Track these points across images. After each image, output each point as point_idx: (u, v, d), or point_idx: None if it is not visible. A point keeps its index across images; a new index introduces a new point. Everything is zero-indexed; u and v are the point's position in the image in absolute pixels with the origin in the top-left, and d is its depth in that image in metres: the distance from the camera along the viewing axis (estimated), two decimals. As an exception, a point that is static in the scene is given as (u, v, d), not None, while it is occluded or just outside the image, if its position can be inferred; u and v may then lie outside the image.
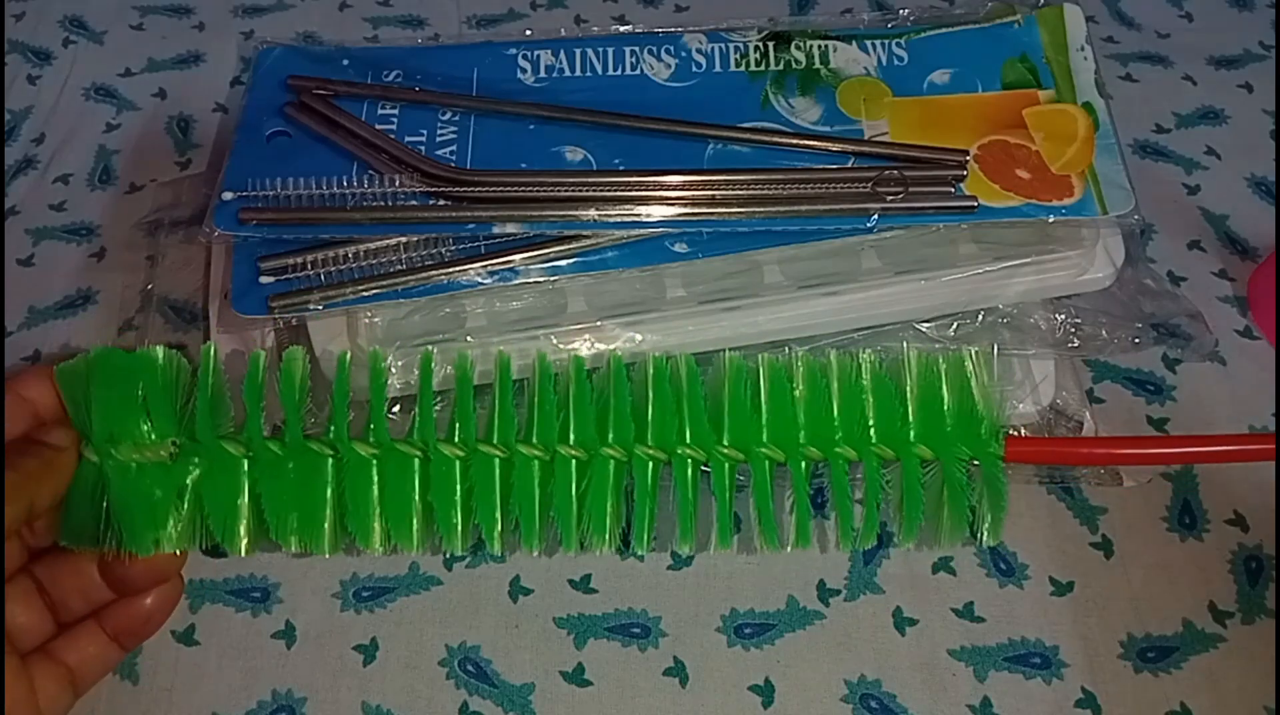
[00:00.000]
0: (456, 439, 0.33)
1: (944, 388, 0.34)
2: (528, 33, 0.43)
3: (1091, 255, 0.37)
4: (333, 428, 0.33)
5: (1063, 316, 0.39)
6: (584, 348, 0.36)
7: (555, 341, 0.36)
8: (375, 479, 0.33)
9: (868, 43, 0.41)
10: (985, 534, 0.34)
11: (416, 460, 0.33)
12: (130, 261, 0.46)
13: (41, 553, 0.33)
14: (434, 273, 0.36)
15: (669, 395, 0.34)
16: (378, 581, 0.38)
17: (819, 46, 0.41)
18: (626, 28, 0.43)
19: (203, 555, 0.38)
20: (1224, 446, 0.35)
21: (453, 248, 0.36)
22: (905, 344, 0.35)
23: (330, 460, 0.33)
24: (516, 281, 0.36)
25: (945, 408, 0.34)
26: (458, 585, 0.38)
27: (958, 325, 0.38)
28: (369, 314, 0.36)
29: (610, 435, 0.33)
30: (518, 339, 0.36)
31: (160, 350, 0.33)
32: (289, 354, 0.33)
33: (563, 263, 0.36)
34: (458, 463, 0.33)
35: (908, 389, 0.34)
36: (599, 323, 0.36)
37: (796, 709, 0.36)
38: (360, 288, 0.35)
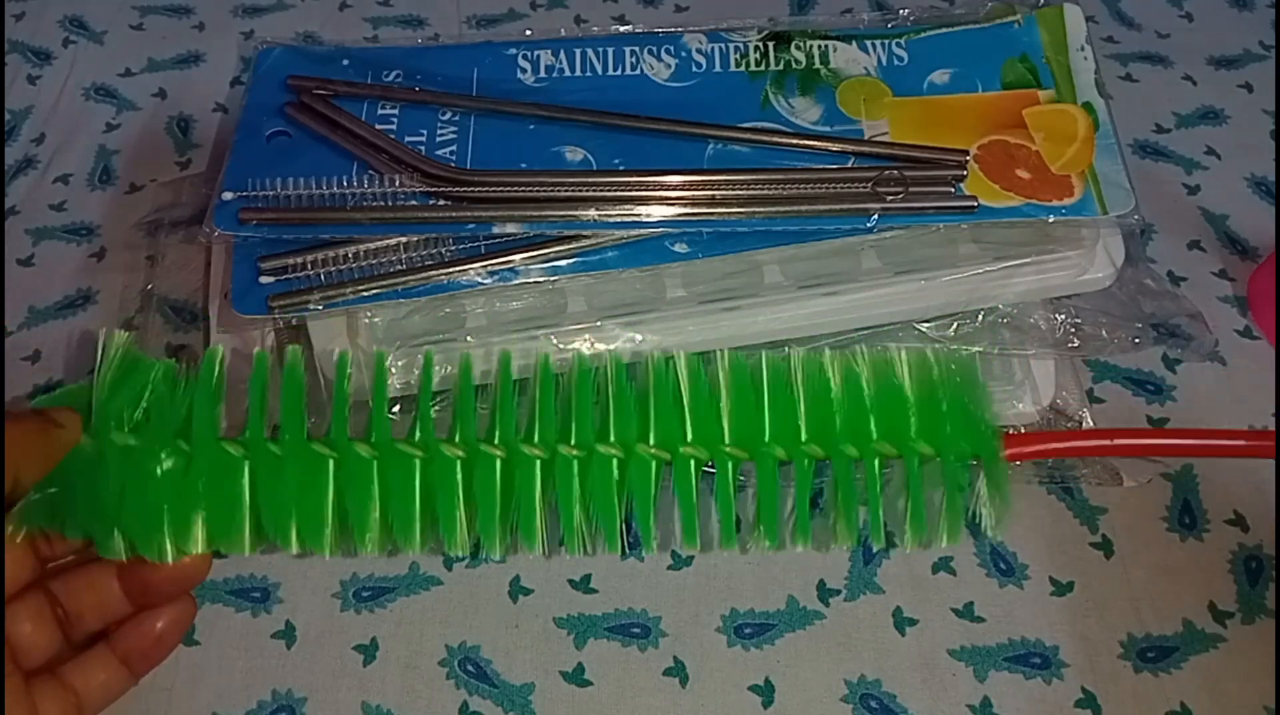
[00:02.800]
0: (457, 439, 0.33)
1: (941, 387, 0.34)
2: (528, 33, 0.43)
3: (1091, 255, 0.37)
4: (333, 429, 0.33)
5: (1063, 316, 0.39)
6: (584, 348, 0.36)
7: (555, 341, 0.36)
8: (376, 480, 0.33)
9: (868, 43, 0.41)
10: (991, 530, 0.34)
11: (418, 461, 0.33)
12: (130, 261, 0.46)
13: (59, 568, 0.33)
14: (434, 273, 0.36)
15: (671, 394, 0.33)
16: (378, 581, 0.38)
17: (819, 46, 0.41)
18: (626, 28, 0.43)
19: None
20: (1225, 441, 0.35)
21: (453, 248, 0.36)
22: (897, 345, 0.34)
23: (331, 461, 0.33)
24: (516, 281, 0.36)
25: (944, 407, 0.34)
26: (458, 585, 0.38)
27: (958, 325, 0.38)
28: (369, 314, 0.36)
29: (611, 435, 0.33)
30: (518, 339, 0.36)
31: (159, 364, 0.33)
32: (290, 354, 0.33)
33: (563, 263, 0.36)
34: (459, 463, 0.33)
35: (907, 388, 0.34)
36: (599, 323, 0.36)
37: (796, 709, 0.36)
38: (360, 288, 0.35)
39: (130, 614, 0.33)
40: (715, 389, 0.34)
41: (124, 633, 0.33)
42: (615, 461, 0.33)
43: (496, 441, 0.33)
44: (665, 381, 0.34)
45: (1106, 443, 0.35)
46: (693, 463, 0.33)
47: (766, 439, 0.33)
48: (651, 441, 0.33)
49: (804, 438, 0.33)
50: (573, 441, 0.33)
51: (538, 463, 0.33)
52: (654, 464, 0.33)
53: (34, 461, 0.30)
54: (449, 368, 0.35)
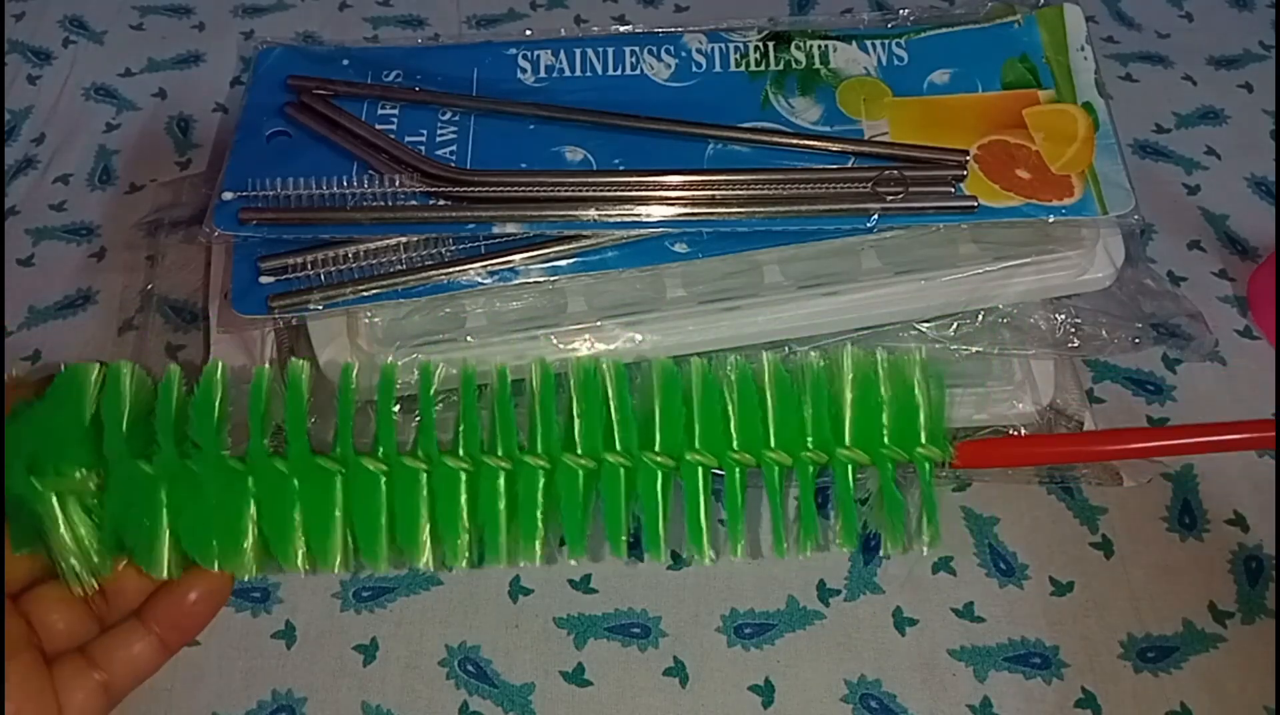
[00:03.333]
0: (461, 452, 0.32)
1: (910, 388, 0.33)
2: (528, 33, 0.43)
3: (1091, 255, 0.37)
4: (339, 443, 0.32)
5: (1063, 316, 0.39)
6: (584, 348, 0.36)
7: (555, 341, 0.36)
8: (383, 494, 0.32)
9: (868, 43, 0.41)
10: (924, 540, 0.33)
11: (423, 474, 0.32)
12: (130, 261, 0.46)
13: None
14: (434, 273, 0.36)
15: (679, 401, 0.33)
16: (378, 581, 0.38)
17: (819, 46, 0.41)
18: (626, 28, 0.43)
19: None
20: (1218, 436, 0.34)
21: (453, 248, 0.36)
22: (848, 347, 0.34)
23: (338, 476, 0.32)
24: (516, 281, 0.36)
25: (885, 412, 0.33)
26: (458, 585, 0.38)
27: (958, 325, 0.38)
28: (369, 314, 0.36)
29: (618, 443, 0.33)
30: (518, 339, 0.36)
31: (128, 368, 0.32)
32: (292, 367, 0.32)
33: (563, 263, 0.36)
34: (463, 475, 0.32)
35: (882, 392, 0.33)
36: (599, 323, 0.36)
37: (796, 709, 0.36)
38: (360, 288, 0.35)
39: (161, 586, 0.32)
40: (721, 394, 0.33)
41: (156, 604, 0.32)
42: (623, 470, 0.33)
43: (500, 453, 0.33)
44: (674, 387, 0.33)
45: (1081, 448, 0.35)
46: (700, 470, 0.33)
47: (772, 445, 0.33)
48: (659, 449, 0.33)
49: (772, 444, 0.33)
50: (579, 451, 0.33)
51: (540, 473, 0.33)
52: (661, 473, 0.33)
53: None
54: (450, 369, 0.35)
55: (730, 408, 0.33)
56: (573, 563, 0.38)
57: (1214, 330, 0.43)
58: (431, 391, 0.33)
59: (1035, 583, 0.38)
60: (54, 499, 0.31)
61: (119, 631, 0.32)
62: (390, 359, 0.35)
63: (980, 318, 0.38)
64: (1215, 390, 0.42)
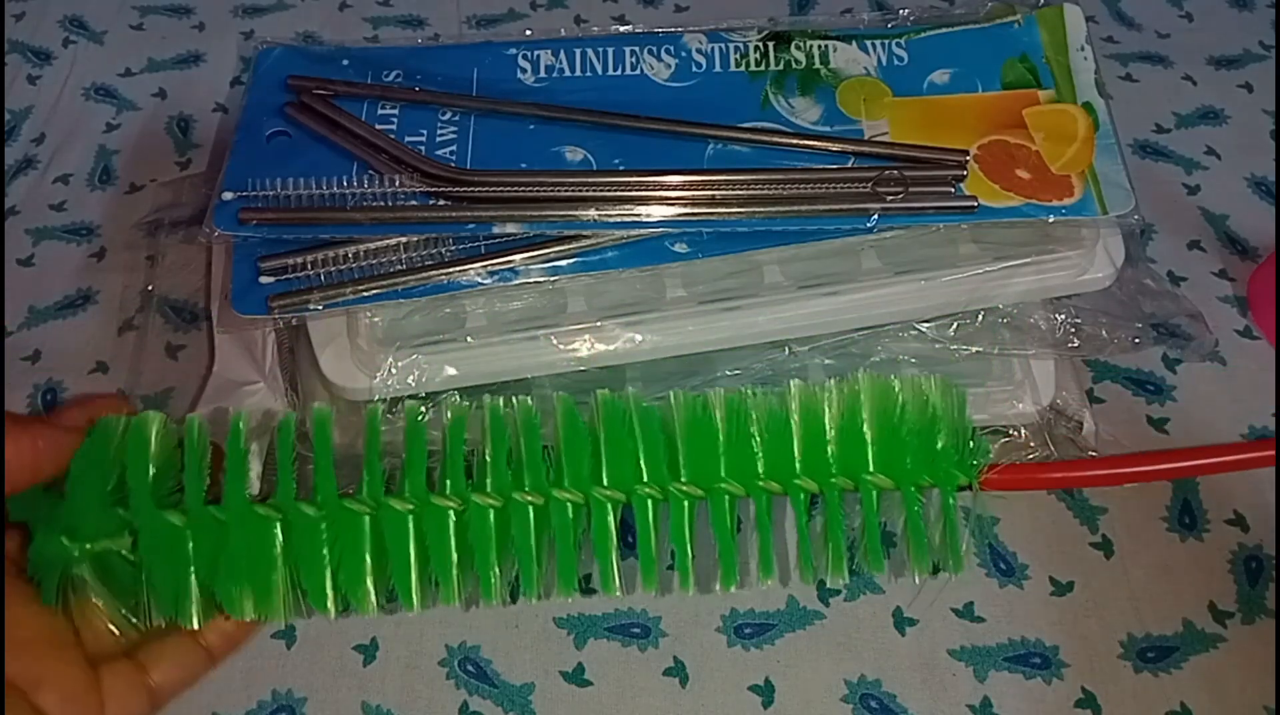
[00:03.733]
0: (490, 489, 0.32)
1: (931, 415, 0.33)
2: (528, 33, 0.43)
3: (1091, 255, 0.37)
4: (367, 485, 0.32)
5: (1063, 316, 0.39)
6: (584, 348, 0.36)
7: (555, 341, 0.36)
8: (412, 534, 0.32)
9: (868, 43, 0.41)
10: (949, 564, 0.33)
11: (452, 514, 0.32)
12: (130, 261, 0.46)
13: None
14: (434, 273, 0.36)
15: (704, 431, 0.33)
16: (378, 581, 0.38)
17: (819, 46, 0.41)
18: (626, 28, 0.43)
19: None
20: (1222, 457, 0.34)
21: (453, 248, 0.36)
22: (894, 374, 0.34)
23: (367, 518, 0.32)
24: (516, 281, 0.36)
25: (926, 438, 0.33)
26: (458, 585, 0.38)
27: (958, 325, 0.38)
28: (369, 314, 0.36)
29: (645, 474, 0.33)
30: (518, 339, 0.36)
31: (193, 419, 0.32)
32: (317, 414, 0.32)
33: (563, 263, 0.36)
34: (492, 513, 0.32)
35: (899, 419, 0.33)
36: (599, 323, 0.36)
37: (796, 709, 0.36)
38: (360, 288, 0.35)
39: None
40: (747, 423, 0.33)
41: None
42: (652, 501, 0.33)
43: (528, 488, 0.32)
44: (696, 418, 0.33)
45: (1097, 473, 0.35)
46: (727, 498, 0.33)
47: (799, 472, 0.33)
48: (684, 478, 0.33)
49: (798, 470, 0.33)
50: (605, 484, 0.33)
51: (569, 507, 0.33)
52: (687, 502, 0.33)
53: (26, 465, 0.30)
54: (449, 368, 0.35)
55: (756, 437, 0.33)
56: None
57: (1214, 330, 0.43)
58: (423, 438, 0.33)
59: (1035, 583, 0.38)
60: (88, 563, 0.31)
61: (169, 639, 0.32)
62: (390, 359, 0.36)
63: (980, 318, 0.38)
64: (1215, 390, 0.42)
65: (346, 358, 0.36)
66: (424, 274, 0.36)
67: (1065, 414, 0.40)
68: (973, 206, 0.36)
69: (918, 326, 0.38)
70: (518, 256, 0.36)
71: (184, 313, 0.44)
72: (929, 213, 0.36)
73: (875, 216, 0.36)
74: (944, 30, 0.41)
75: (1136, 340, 0.39)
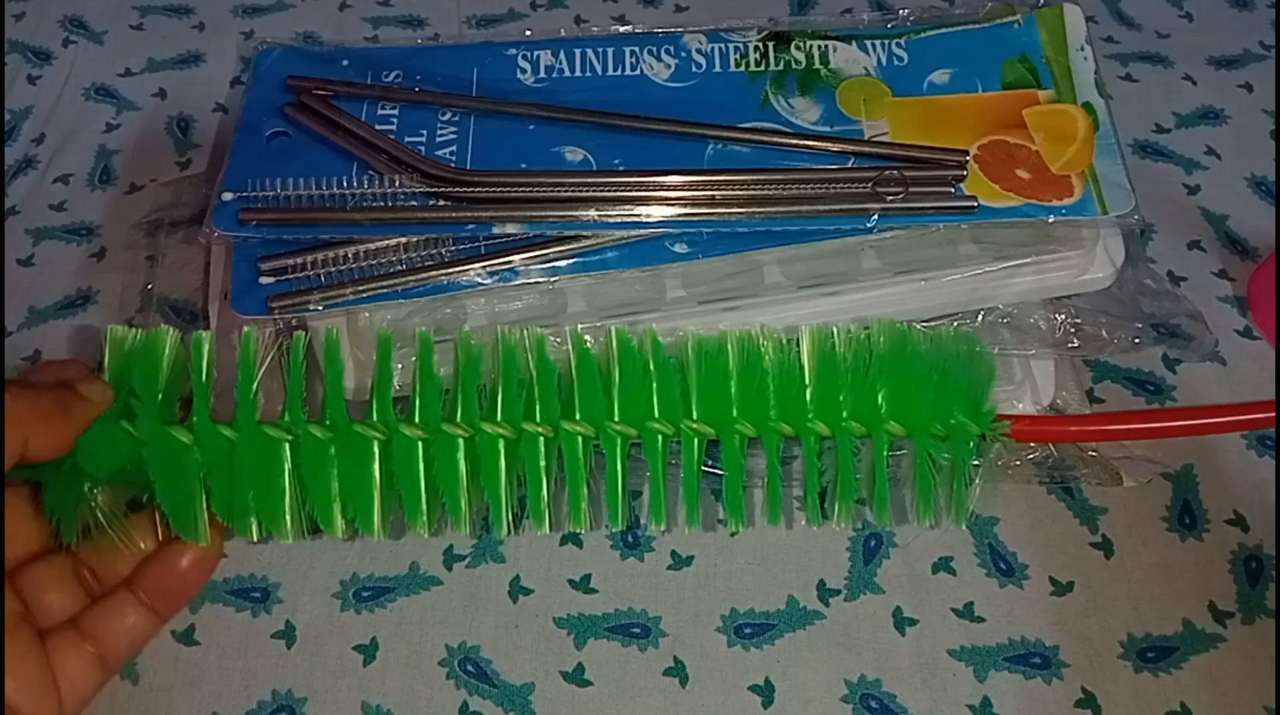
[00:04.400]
0: (500, 418, 0.33)
1: (946, 364, 0.34)
2: (528, 33, 0.43)
3: (1091, 255, 0.37)
4: (377, 410, 0.33)
5: (1063, 316, 0.39)
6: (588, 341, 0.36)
7: (556, 342, 0.36)
8: (422, 460, 0.33)
9: (868, 43, 0.41)
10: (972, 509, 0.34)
11: (463, 440, 0.33)
12: (130, 261, 0.46)
13: None
14: (434, 273, 0.36)
15: (718, 371, 0.34)
16: (378, 581, 0.38)
17: (819, 46, 0.41)
18: (626, 28, 0.43)
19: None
20: (1224, 417, 0.35)
21: (453, 248, 0.36)
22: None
23: (376, 442, 0.33)
24: (516, 282, 0.36)
25: (949, 385, 0.34)
26: (458, 585, 0.38)
27: (958, 325, 0.38)
28: (369, 314, 0.36)
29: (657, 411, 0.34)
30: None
31: (202, 336, 0.33)
32: (328, 337, 0.33)
33: (563, 263, 0.36)
34: (502, 442, 0.33)
35: (918, 365, 0.34)
36: (599, 323, 0.36)
37: (796, 709, 0.36)
38: (360, 288, 0.35)
39: (151, 554, 0.32)
40: (723, 365, 0.34)
41: (146, 572, 0.32)
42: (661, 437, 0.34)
43: (539, 420, 0.33)
44: (710, 357, 0.34)
45: (1113, 427, 0.36)
46: (697, 441, 0.33)
47: (773, 416, 0.34)
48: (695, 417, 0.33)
49: (810, 415, 0.33)
50: (616, 417, 0.33)
51: (580, 440, 0.33)
52: (660, 439, 0.34)
53: (46, 431, 0.30)
54: (449, 370, 0.35)
55: (769, 378, 0.34)
56: (569, 557, 0.38)
57: (1214, 330, 0.43)
58: (432, 360, 0.34)
59: (1035, 583, 0.38)
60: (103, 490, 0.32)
61: (110, 602, 0.32)
62: (391, 359, 0.36)
63: (980, 318, 0.38)
64: (1215, 390, 0.42)
65: (346, 358, 0.36)
66: (424, 274, 0.36)
67: (1065, 414, 0.40)
68: (973, 206, 0.36)
69: (918, 327, 0.38)
70: (518, 256, 0.36)
71: (184, 313, 0.44)
72: (929, 213, 0.36)
73: (875, 216, 0.36)
74: (944, 30, 0.41)
75: (1136, 340, 0.39)
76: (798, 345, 0.34)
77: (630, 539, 0.39)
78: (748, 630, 0.37)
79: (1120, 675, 0.36)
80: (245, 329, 0.33)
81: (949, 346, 0.34)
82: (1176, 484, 0.40)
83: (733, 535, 0.39)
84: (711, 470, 0.36)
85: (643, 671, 0.36)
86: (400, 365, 0.36)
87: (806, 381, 0.33)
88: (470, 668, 0.37)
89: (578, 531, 0.35)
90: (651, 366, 0.34)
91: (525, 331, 0.34)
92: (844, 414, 0.33)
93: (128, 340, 0.33)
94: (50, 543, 0.32)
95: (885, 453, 0.34)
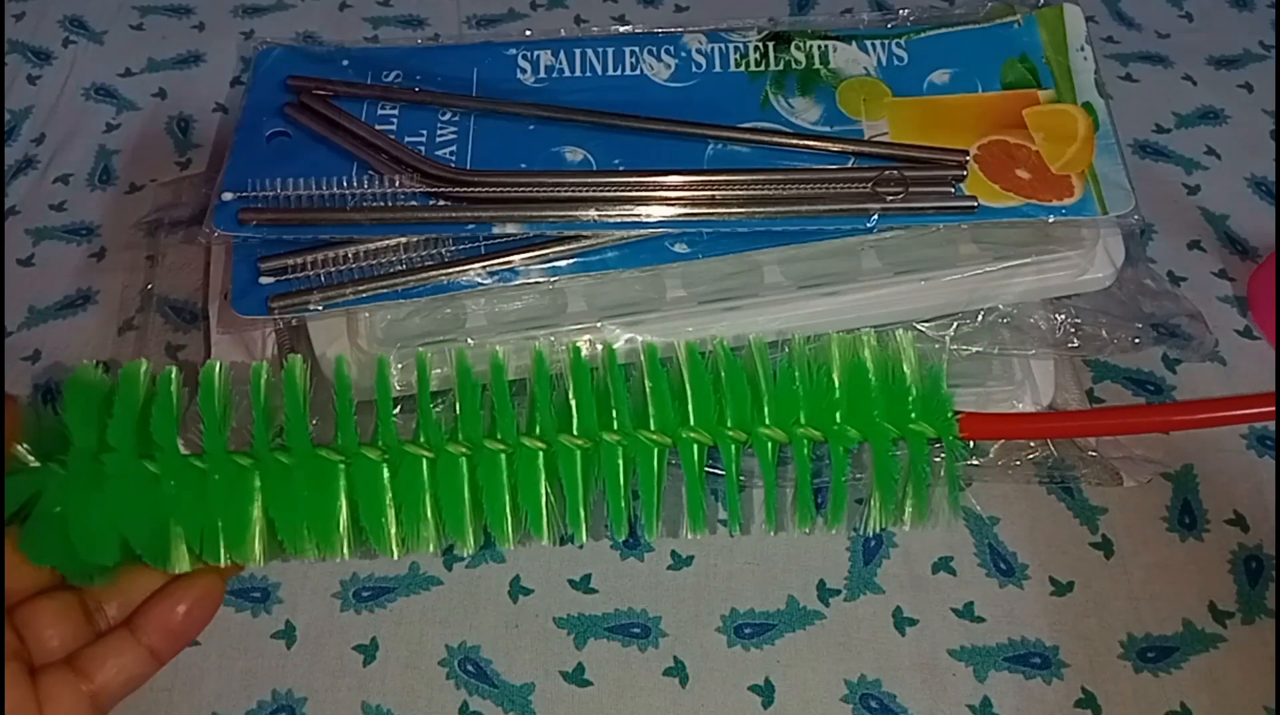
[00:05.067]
0: (461, 437, 0.33)
1: (898, 368, 0.34)
2: (528, 33, 0.43)
3: (1091, 255, 0.37)
4: (341, 435, 0.33)
5: (1063, 316, 0.39)
6: (584, 348, 0.36)
7: (555, 342, 0.36)
8: (386, 482, 0.33)
9: (868, 43, 0.41)
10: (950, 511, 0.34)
11: (425, 461, 0.33)
12: (130, 261, 0.46)
13: None
14: (434, 273, 0.36)
15: (709, 379, 0.34)
16: (378, 581, 0.38)
17: (819, 47, 0.41)
18: (626, 28, 0.43)
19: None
20: (1220, 411, 0.34)
21: (453, 248, 0.36)
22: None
23: (341, 467, 0.33)
24: (516, 282, 0.36)
25: (905, 388, 0.33)
26: (458, 585, 0.38)
27: (957, 325, 0.38)
28: (369, 314, 0.36)
29: (653, 421, 0.33)
30: (518, 339, 0.36)
31: (143, 365, 0.33)
32: (290, 362, 0.33)
33: (563, 263, 0.36)
34: (464, 461, 0.33)
35: (870, 371, 0.34)
36: (599, 323, 0.36)
37: (796, 709, 0.36)
38: (360, 288, 0.35)
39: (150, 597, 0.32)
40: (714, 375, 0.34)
41: (147, 615, 0.32)
42: (621, 449, 0.33)
43: (539, 433, 0.33)
44: (701, 367, 0.34)
45: (1078, 423, 0.36)
46: (695, 448, 0.33)
47: (731, 424, 0.33)
48: (653, 427, 0.33)
49: (766, 422, 0.33)
50: (615, 427, 0.33)
51: (579, 451, 0.33)
52: (656, 450, 0.33)
53: None
54: (446, 368, 0.35)
55: (722, 387, 0.33)
56: (569, 557, 0.38)
57: (1214, 330, 0.43)
58: (429, 379, 0.34)
59: (1035, 583, 0.38)
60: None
61: (109, 641, 0.31)
62: (391, 358, 0.36)
63: (980, 318, 0.38)
64: (1215, 390, 0.42)
65: (347, 358, 0.36)
66: (424, 274, 0.36)
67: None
68: (973, 206, 0.36)
69: (918, 326, 0.38)
70: (518, 256, 0.36)
71: (184, 313, 0.44)
72: (929, 213, 0.36)
73: (875, 216, 0.36)
74: (944, 30, 0.41)
75: (1136, 340, 0.39)
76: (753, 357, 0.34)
77: (630, 539, 0.39)
78: (748, 630, 0.37)
79: (1120, 675, 0.36)
80: (206, 364, 0.33)
81: (897, 351, 0.34)
82: (1176, 484, 0.40)
83: (775, 533, 0.38)
84: (712, 470, 0.36)
85: (643, 671, 0.36)
86: (400, 365, 0.36)
87: (761, 390, 0.33)
88: (470, 668, 0.37)
89: (648, 539, 0.35)
90: (685, 373, 0.33)
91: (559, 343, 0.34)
92: (800, 420, 0.33)
93: (94, 384, 0.32)
94: (55, 579, 0.32)
95: (925, 452, 0.33)
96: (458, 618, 0.38)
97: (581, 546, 0.39)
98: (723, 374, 0.33)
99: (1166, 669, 0.36)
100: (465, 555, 0.39)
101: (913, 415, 0.33)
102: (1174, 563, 0.38)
